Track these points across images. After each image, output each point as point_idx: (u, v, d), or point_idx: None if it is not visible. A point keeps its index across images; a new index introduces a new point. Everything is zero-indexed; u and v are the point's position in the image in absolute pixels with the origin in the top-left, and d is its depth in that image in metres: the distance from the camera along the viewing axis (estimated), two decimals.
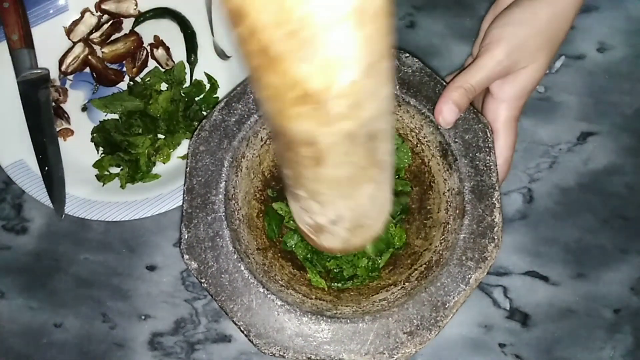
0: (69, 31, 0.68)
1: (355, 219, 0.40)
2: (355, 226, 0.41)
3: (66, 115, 0.68)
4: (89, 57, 0.68)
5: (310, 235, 0.44)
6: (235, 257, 0.45)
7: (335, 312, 0.45)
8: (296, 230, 0.51)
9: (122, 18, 0.69)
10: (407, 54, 0.50)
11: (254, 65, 0.23)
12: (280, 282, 0.48)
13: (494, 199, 0.46)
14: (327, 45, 0.21)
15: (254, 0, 0.19)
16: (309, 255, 0.52)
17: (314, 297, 0.48)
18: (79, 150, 0.66)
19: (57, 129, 0.66)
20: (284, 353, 0.43)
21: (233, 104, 0.48)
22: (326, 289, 0.51)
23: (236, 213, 0.48)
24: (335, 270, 0.52)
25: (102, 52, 0.68)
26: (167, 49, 0.68)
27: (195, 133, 0.47)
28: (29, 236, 0.66)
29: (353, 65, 0.23)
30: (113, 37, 0.69)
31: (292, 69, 0.22)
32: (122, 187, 0.64)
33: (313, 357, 0.43)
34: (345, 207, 0.37)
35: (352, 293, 0.51)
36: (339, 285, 0.51)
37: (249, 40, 0.21)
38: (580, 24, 0.68)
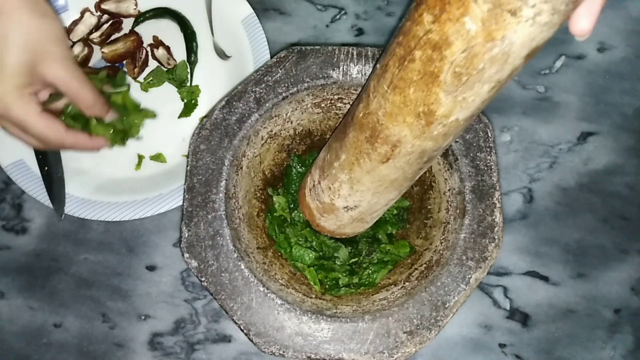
0: (68, 31, 0.68)
1: (363, 213, 0.44)
2: (358, 219, 0.45)
3: None
4: (89, 56, 0.68)
5: (315, 212, 0.47)
6: (236, 255, 0.45)
7: (335, 311, 0.45)
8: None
9: (121, 18, 0.69)
10: None
11: (409, 76, 0.28)
12: (280, 281, 0.48)
13: (494, 199, 0.46)
14: (470, 92, 0.27)
15: (456, 43, 0.25)
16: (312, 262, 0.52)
17: (314, 296, 0.48)
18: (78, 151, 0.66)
19: None
20: (284, 352, 0.43)
21: (234, 103, 0.48)
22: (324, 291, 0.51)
23: (236, 212, 0.48)
24: (329, 284, 0.52)
25: (102, 52, 0.68)
26: (167, 49, 0.68)
27: (196, 132, 0.47)
28: (29, 236, 0.65)
29: (467, 111, 0.29)
30: (113, 37, 0.69)
31: (436, 94, 0.28)
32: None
33: (313, 356, 0.43)
34: (368, 200, 0.42)
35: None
36: (333, 293, 0.50)
37: (431, 61, 0.27)
38: None
